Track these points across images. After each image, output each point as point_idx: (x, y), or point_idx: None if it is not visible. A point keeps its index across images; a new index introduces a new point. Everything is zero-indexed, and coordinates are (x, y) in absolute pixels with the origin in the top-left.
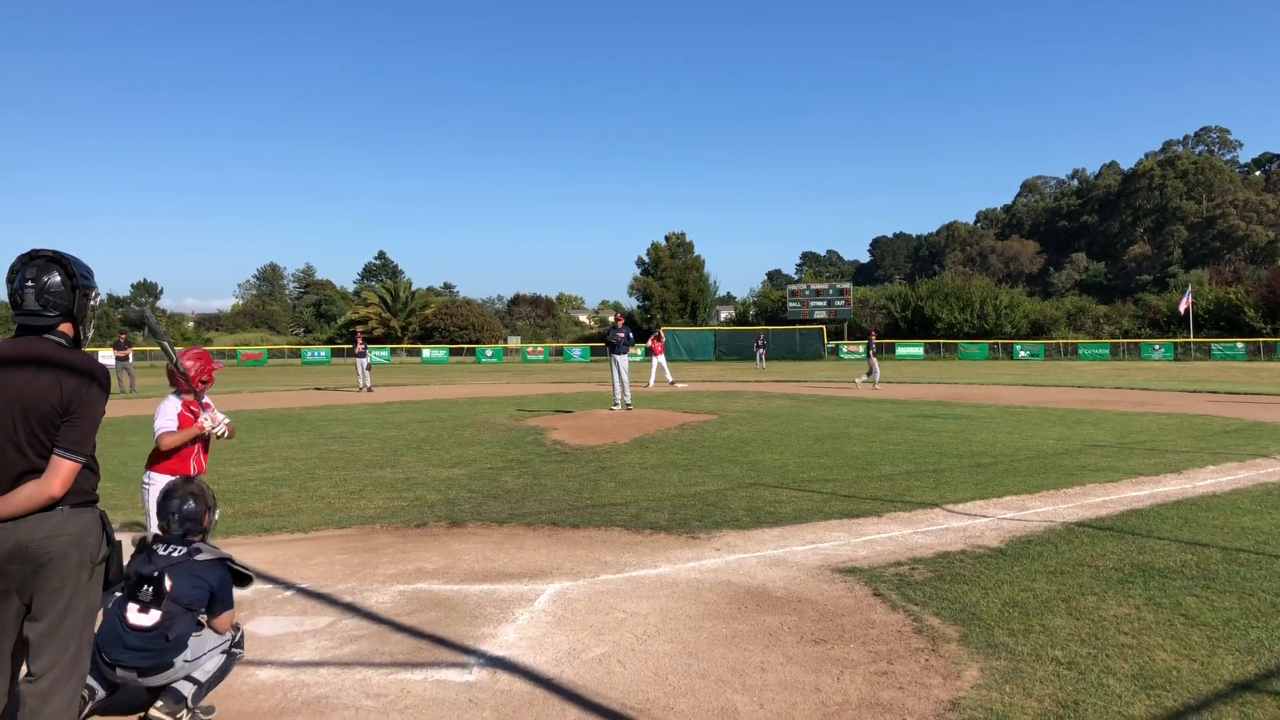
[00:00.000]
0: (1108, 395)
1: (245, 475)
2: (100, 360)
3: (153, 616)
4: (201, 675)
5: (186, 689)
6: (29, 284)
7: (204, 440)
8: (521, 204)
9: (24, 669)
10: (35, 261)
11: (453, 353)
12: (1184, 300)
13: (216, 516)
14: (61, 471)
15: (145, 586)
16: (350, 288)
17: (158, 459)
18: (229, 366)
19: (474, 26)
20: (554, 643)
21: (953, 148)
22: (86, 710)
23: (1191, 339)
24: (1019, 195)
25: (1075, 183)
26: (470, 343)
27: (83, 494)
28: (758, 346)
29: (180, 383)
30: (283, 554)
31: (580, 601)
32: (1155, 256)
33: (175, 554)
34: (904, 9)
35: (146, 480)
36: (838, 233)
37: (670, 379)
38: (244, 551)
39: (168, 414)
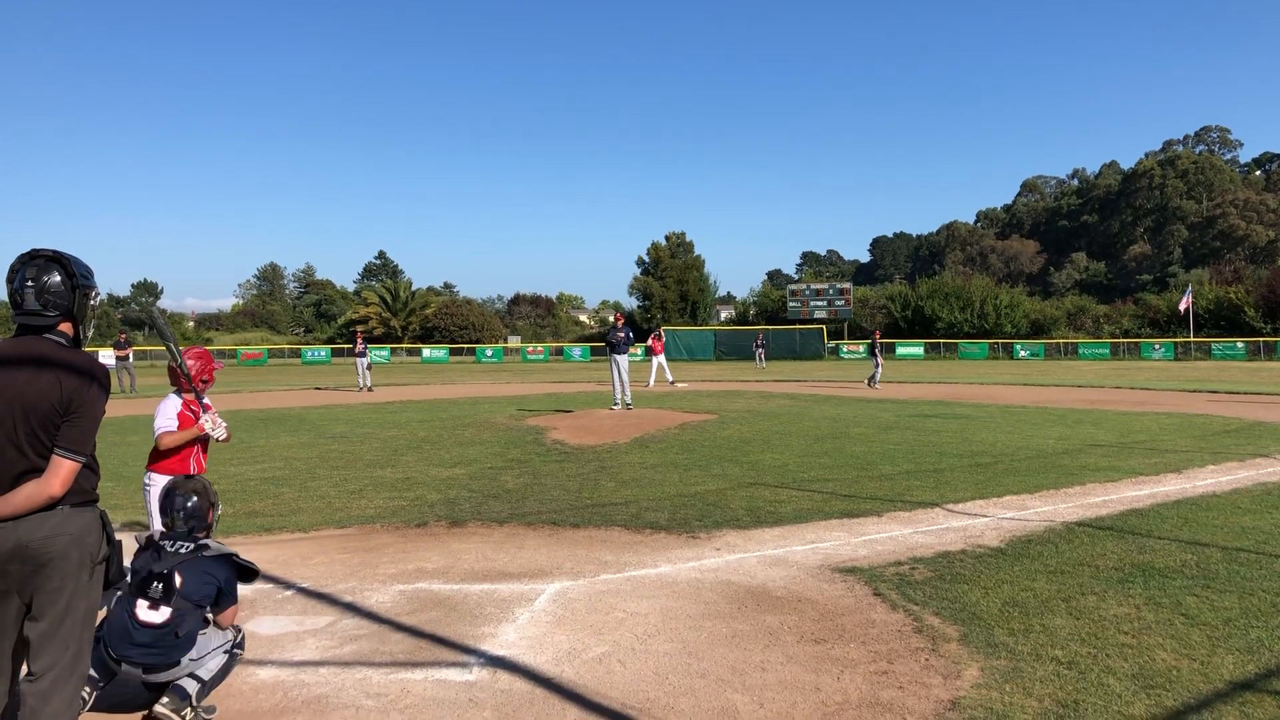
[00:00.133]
0: (1108, 395)
1: (245, 475)
2: (100, 360)
3: (163, 613)
4: (205, 674)
5: (191, 686)
6: (29, 284)
7: (203, 441)
8: (521, 204)
9: (24, 668)
10: (35, 261)
11: (453, 352)
12: (1184, 300)
13: (218, 514)
14: (62, 471)
15: (155, 583)
16: (350, 287)
17: (157, 459)
18: (229, 366)
19: (474, 26)
20: (554, 642)
21: (953, 148)
22: (87, 705)
23: (1192, 339)
24: (1019, 195)
25: (1075, 182)
26: (470, 342)
27: (83, 493)
28: (757, 346)
29: (182, 382)
30: (283, 553)
31: (580, 601)
32: (1155, 256)
33: (184, 550)
34: (904, 9)
35: (147, 481)
36: (838, 232)
37: (670, 379)
38: (244, 551)
39: (168, 413)
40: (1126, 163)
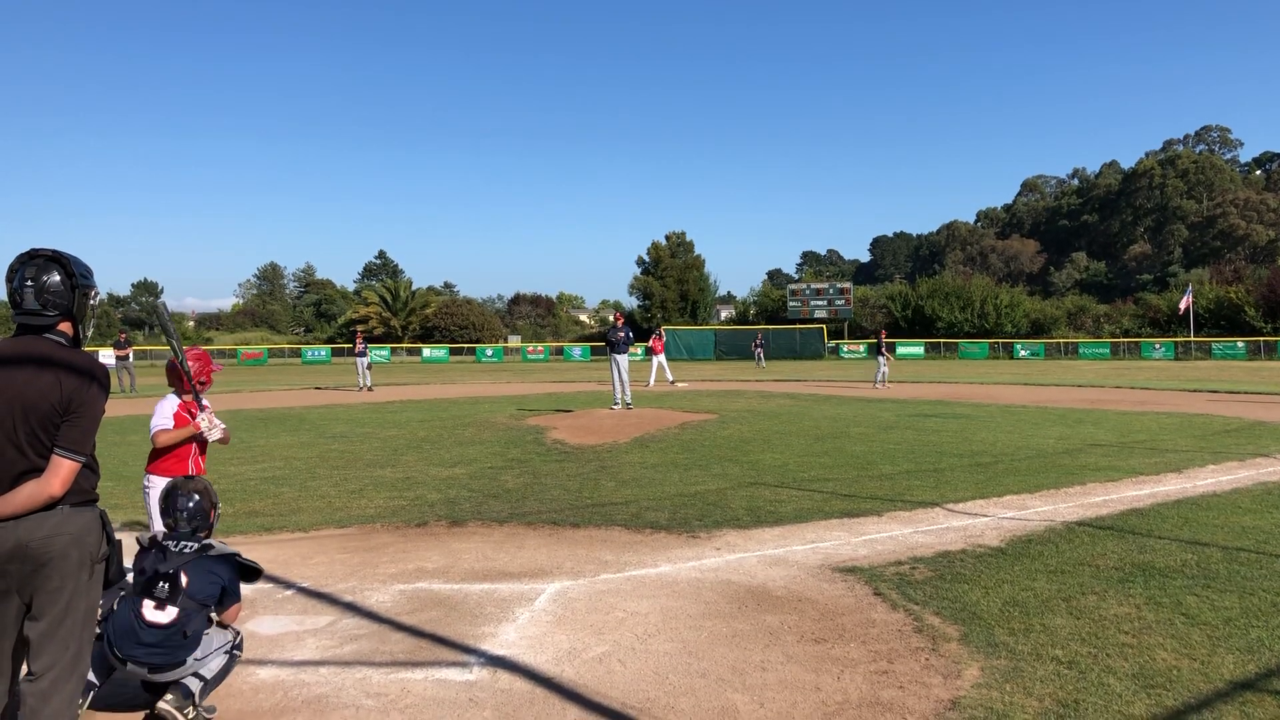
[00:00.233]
0: (1108, 394)
1: (246, 474)
2: (100, 360)
3: (169, 613)
4: (208, 672)
5: (194, 685)
6: (28, 283)
7: (201, 442)
8: (521, 204)
9: (24, 668)
10: (35, 261)
11: (453, 352)
12: (1184, 299)
13: (218, 514)
14: (61, 471)
15: (161, 583)
16: (350, 287)
17: (156, 460)
18: (229, 366)
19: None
20: (554, 642)
21: (953, 147)
22: (85, 703)
23: (1192, 338)
24: (1019, 194)
25: (1076, 182)
26: (470, 342)
27: (83, 493)
28: (755, 346)
29: (183, 380)
30: (283, 553)
31: (580, 601)
32: (1156, 256)
33: (189, 550)
34: (904, 9)
35: (146, 483)
36: (838, 232)
37: (670, 378)
38: (245, 550)
39: (164, 412)
40: (1127, 162)
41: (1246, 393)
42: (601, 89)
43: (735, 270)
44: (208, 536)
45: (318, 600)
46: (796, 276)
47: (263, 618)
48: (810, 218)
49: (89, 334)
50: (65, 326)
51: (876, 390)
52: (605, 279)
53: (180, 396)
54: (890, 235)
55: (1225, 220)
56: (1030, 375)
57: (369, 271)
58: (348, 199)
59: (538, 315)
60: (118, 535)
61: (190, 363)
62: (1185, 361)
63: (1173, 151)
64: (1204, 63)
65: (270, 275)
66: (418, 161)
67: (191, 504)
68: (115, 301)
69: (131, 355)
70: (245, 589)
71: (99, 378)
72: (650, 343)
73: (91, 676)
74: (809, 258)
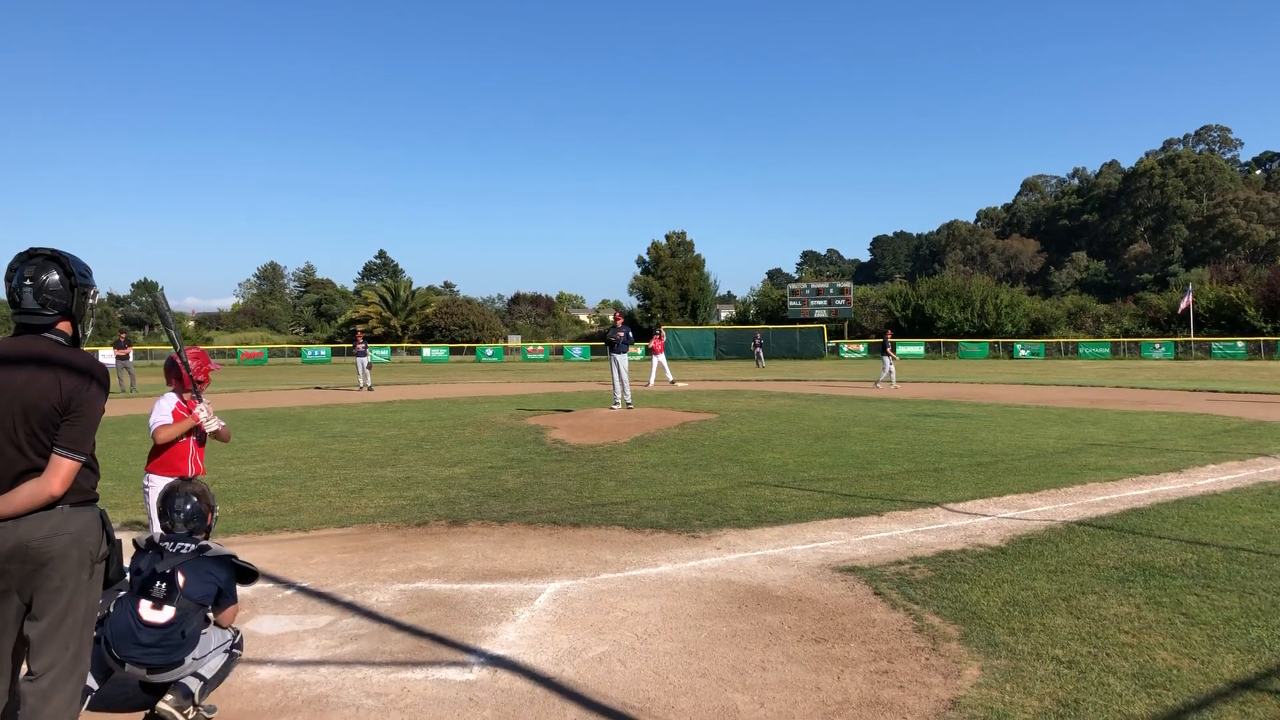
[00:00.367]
0: (1108, 394)
1: (246, 474)
2: (100, 359)
3: (167, 613)
4: (207, 672)
5: (194, 685)
6: (27, 282)
7: (200, 439)
8: (522, 203)
9: (24, 668)
10: (34, 260)
11: (453, 352)
12: (1184, 299)
13: (216, 516)
14: (61, 470)
15: (158, 583)
16: (350, 287)
17: (156, 460)
18: (229, 365)
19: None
20: (554, 641)
21: (953, 147)
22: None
23: (1192, 338)
24: (1019, 194)
25: (1076, 182)
26: (470, 342)
27: (83, 493)
28: (756, 345)
29: (183, 376)
30: (283, 553)
31: (581, 600)
32: (1156, 255)
33: (185, 550)
34: (904, 9)
35: (146, 483)
36: (838, 231)
37: (670, 378)
38: (244, 550)
39: (163, 409)
40: (1127, 162)
41: (1246, 392)
42: (602, 89)
43: (735, 270)
44: (205, 539)
45: (318, 600)
46: (796, 276)
47: (263, 617)
48: (810, 217)
49: (88, 333)
50: (64, 326)
51: (877, 390)
52: (605, 279)
53: (179, 395)
54: (890, 235)
55: (1225, 220)
56: (1030, 375)
57: (369, 271)
58: (348, 199)
59: (538, 315)
60: (118, 535)
61: (189, 362)
62: (1185, 361)
63: (1173, 151)
64: (1204, 63)
65: (270, 275)
66: (418, 161)
67: (189, 506)
68: (115, 301)
69: (131, 355)
70: (244, 590)
71: (98, 377)
72: (650, 342)
73: (90, 681)
74: (809, 257)
